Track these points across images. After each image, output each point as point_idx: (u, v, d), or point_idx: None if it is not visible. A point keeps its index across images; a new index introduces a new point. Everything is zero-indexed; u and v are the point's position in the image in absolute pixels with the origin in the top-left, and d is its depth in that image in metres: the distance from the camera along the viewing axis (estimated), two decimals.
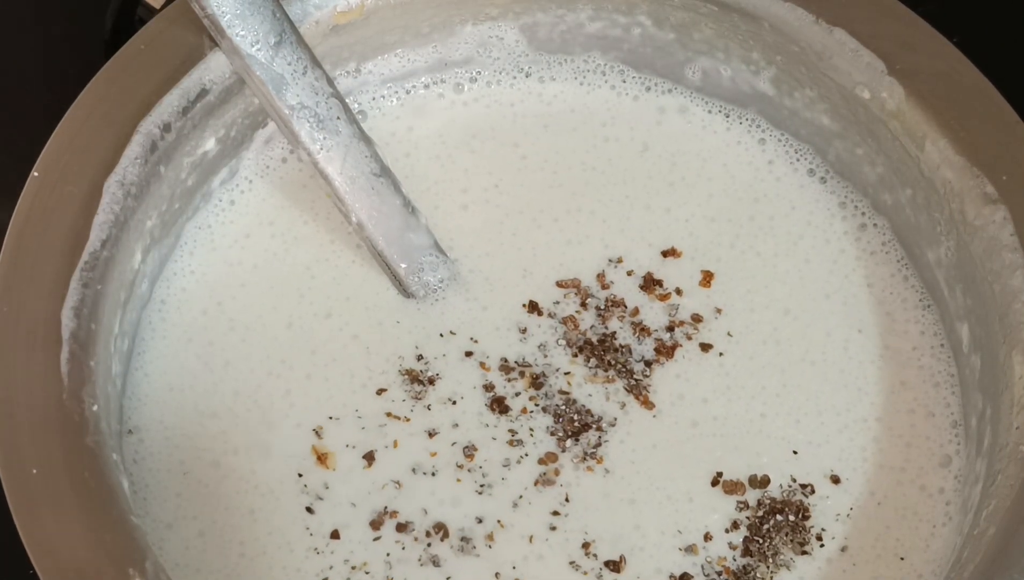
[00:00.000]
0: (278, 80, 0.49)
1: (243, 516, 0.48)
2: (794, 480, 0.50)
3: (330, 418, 0.51)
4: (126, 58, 0.50)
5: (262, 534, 0.48)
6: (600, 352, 0.52)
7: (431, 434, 0.50)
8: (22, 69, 0.65)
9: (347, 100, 0.52)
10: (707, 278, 0.54)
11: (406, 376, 0.52)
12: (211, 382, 0.51)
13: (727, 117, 0.58)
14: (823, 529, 0.49)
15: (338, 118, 0.51)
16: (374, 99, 0.57)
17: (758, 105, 0.57)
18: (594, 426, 0.51)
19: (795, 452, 0.50)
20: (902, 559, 0.48)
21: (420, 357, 0.52)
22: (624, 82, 0.58)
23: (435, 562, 0.48)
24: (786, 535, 0.49)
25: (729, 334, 0.53)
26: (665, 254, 0.55)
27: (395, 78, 0.57)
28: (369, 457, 0.50)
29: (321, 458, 0.50)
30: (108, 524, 0.42)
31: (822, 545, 0.49)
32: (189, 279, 0.53)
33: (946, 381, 0.52)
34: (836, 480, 0.50)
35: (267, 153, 0.56)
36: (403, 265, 0.53)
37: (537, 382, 0.52)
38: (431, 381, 0.51)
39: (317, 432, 0.50)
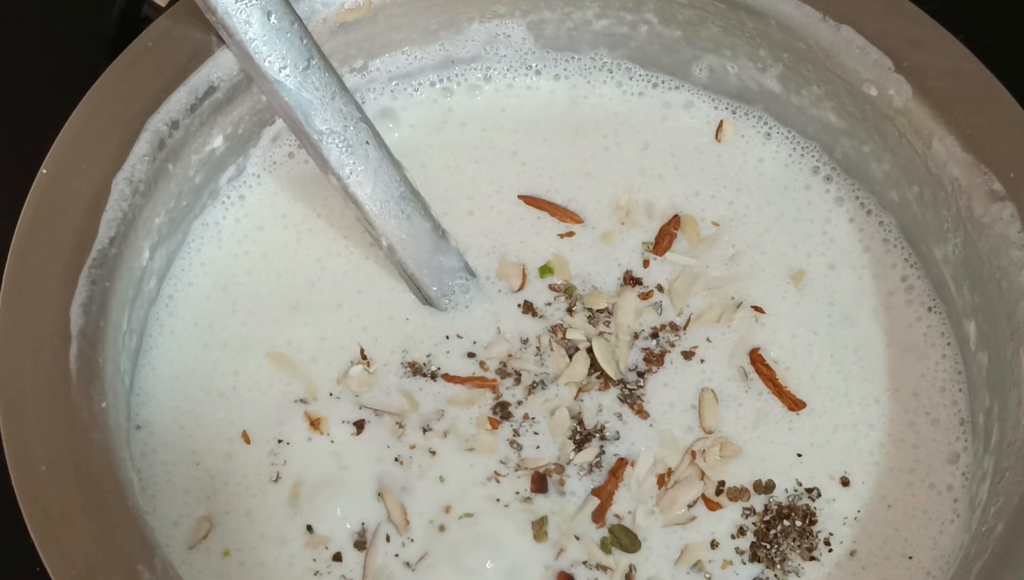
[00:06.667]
0: (306, 105, 0.49)
1: (240, 519, 0.48)
2: (799, 484, 0.50)
3: (330, 394, 0.51)
4: (134, 55, 0.50)
5: (257, 540, 0.48)
6: (589, 359, 0.52)
7: (425, 429, 0.51)
8: (28, 67, 0.65)
9: (354, 96, 0.52)
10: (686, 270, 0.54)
11: (409, 368, 0.52)
12: (210, 362, 0.51)
13: (733, 113, 0.58)
14: (831, 533, 0.49)
15: (367, 143, 0.50)
16: (382, 96, 0.57)
17: (765, 102, 0.57)
18: (597, 435, 0.51)
19: (799, 455, 0.50)
20: (910, 558, 0.48)
21: (428, 354, 0.52)
22: (631, 79, 0.58)
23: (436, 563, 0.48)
24: (793, 541, 0.49)
25: (708, 339, 0.53)
26: (648, 248, 0.55)
27: (403, 75, 0.57)
28: (363, 437, 0.50)
29: (314, 423, 0.50)
30: (117, 520, 0.42)
31: (830, 550, 0.49)
32: (196, 274, 0.53)
33: (953, 378, 0.52)
34: (845, 482, 0.50)
35: (274, 150, 0.55)
36: (434, 287, 0.53)
37: (535, 388, 0.51)
38: (433, 375, 0.52)
39: (310, 416, 0.50)
